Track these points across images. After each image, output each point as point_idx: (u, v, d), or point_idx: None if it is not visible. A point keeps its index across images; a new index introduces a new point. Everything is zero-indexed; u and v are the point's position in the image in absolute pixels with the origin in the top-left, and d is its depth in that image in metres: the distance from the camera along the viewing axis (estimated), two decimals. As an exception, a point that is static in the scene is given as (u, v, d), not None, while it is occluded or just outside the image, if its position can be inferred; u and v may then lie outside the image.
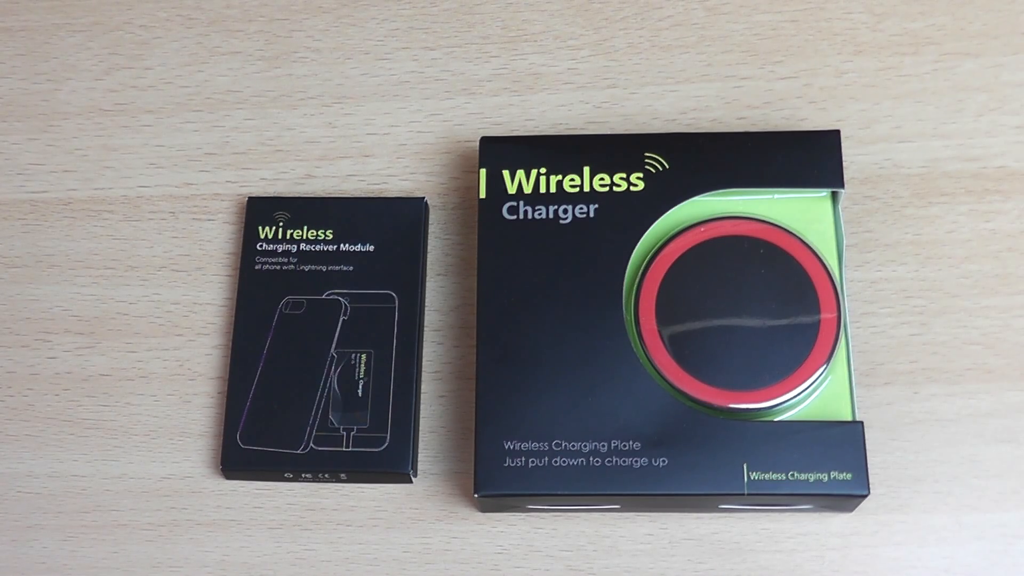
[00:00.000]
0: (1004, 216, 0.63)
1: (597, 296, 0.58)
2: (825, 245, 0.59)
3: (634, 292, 0.59)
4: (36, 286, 0.65)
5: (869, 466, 0.56)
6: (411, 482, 0.60)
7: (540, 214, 0.60)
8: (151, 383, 0.63)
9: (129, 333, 0.63)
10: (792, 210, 0.60)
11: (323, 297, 0.62)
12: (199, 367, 0.63)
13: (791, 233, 0.59)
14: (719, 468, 0.55)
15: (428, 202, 0.64)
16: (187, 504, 0.61)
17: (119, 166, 0.66)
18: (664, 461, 0.56)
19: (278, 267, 0.62)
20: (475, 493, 0.56)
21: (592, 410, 0.57)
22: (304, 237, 0.63)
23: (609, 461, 0.56)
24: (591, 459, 0.56)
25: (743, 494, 0.55)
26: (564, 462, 0.56)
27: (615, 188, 0.60)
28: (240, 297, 0.62)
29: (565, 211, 0.60)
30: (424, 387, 0.62)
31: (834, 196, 0.60)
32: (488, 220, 0.60)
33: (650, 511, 0.59)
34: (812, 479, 0.55)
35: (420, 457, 0.61)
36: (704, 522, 0.59)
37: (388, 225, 0.63)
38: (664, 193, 0.60)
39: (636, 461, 0.56)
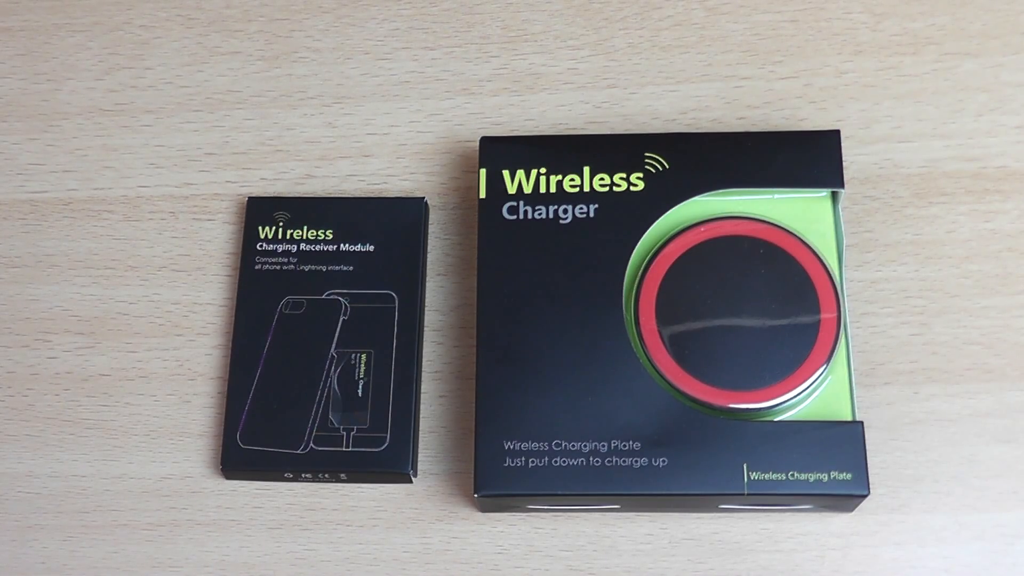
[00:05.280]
0: (1004, 216, 0.63)
1: (597, 296, 0.58)
2: (825, 245, 0.59)
3: (634, 292, 0.59)
4: (36, 286, 0.65)
5: (869, 466, 0.56)
6: (411, 482, 0.60)
7: (540, 214, 0.60)
8: (151, 383, 0.63)
9: (129, 333, 0.63)
10: (792, 210, 0.60)
11: (323, 297, 0.62)
12: (199, 367, 0.63)
13: (791, 233, 0.59)
14: (719, 468, 0.55)
15: (428, 202, 0.64)
16: (187, 504, 0.61)
17: (119, 166, 0.66)
18: (664, 461, 0.56)
19: (278, 267, 0.62)
20: (475, 493, 0.56)
21: (592, 410, 0.57)
22: (304, 237, 0.63)
23: (609, 461, 0.56)
24: (591, 459, 0.56)
25: (743, 494, 0.55)
26: (564, 462, 0.56)
27: (615, 188, 0.60)
28: (240, 297, 0.62)
29: (565, 211, 0.60)
30: (424, 387, 0.62)
31: (834, 196, 0.60)
32: (488, 220, 0.60)
33: (650, 511, 0.59)
34: (812, 479, 0.55)
35: (420, 457, 0.61)
36: (704, 522, 0.59)
37: (388, 225, 0.63)
38: (664, 193, 0.60)
39: (636, 461, 0.56)
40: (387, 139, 0.66)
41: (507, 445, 0.56)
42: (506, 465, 0.56)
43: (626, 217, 0.59)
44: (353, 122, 0.66)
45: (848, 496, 0.55)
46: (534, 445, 0.56)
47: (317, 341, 0.61)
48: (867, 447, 0.56)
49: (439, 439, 0.61)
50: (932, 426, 0.60)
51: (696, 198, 0.60)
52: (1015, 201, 0.63)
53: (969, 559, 0.58)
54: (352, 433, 0.60)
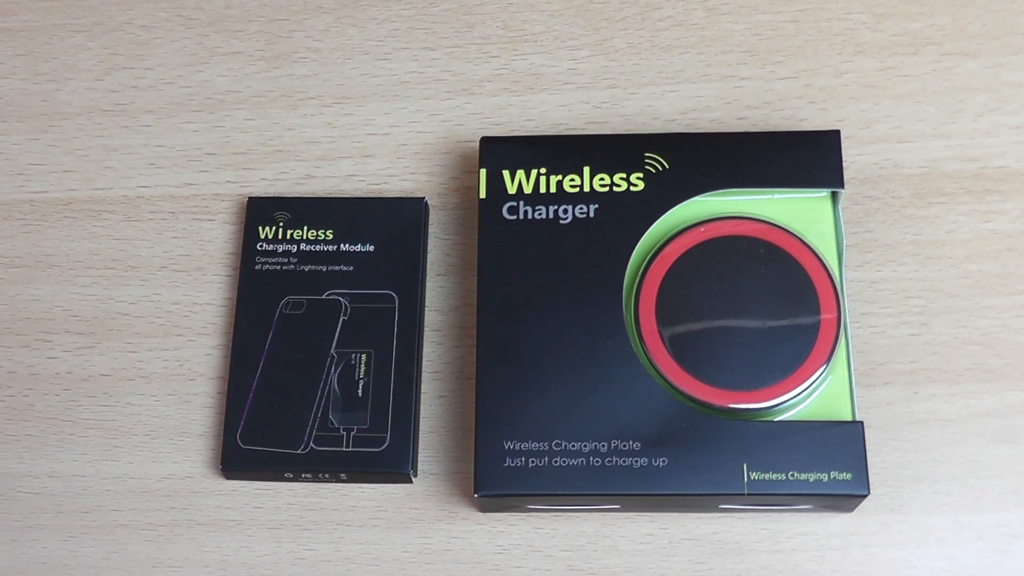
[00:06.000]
0: (1004, 216, 0.63)
1: (597, 296, 0.58)
2: (825, 245, 0.59)
3: (634, 292, 0.59)
4: (36, 286, 0.65)
5: (869, 466, 0.56)
6: (411, 482, 0.60)
7: (540, 214, 0.60)
8: (151, 383, 0.63)
9: (129, 333, 0.63)
10: (792, 210, 0.60)
11: (323, 297, 0.62)
12: (199, 367, 0.63)
13: (791, 233, 0.59)
14: (719, 468, 0.55)
15: (428, 202, 0.64)
16: (187, 504, 0.61)
17: (119, 166, 0.66)
18: (664, 461, 0.56)
19: (278, 267, 0.62)
20: (475, 493, 0.56)
21: (592, 410, 0.57)
22: (304, 237, 0.63)
23: (609, 461, 0.56)
24: (591, 459, 0.56)
25: (743, 494, 0.55)
26: (564, 462, 0.56)
27: (615, 188, 0.60)
28: (240, 297, 0.62)
29: (565, 211, 0.60)
30: (424, 387, 0.62)
31: (834, 196, 0.60)
32: (488, 220, 0.60)
33: (650, 511, 0.59)
34: (812, 479, 0.55)
35: (420, 457, 0.61)
36: (704, 522, 0.59)
37: (388, 225, 0.63)
38: (664, 193, 0.60)
39: (636, 461, 0.56)
40: (387, 139, 0.66)
41: (507, 445, 0.56)
42: (506, 465, 0.56)
43: (626, 217, 0.59)
44: (353, 122, 0.66)
45: (848, 496, 0.55)
46: (534, 445, 0.56)
47: (317, 341, 0.61)
48: (867, 447, 0.57)
49: (439, 439, 0.61)
50: (932, 426, 0.60)
51: (696, 198, 0.60)
52: (1015, 201, 0.63)
53: (969, 559, 0.58)
54: (352, 433, 0.60)
